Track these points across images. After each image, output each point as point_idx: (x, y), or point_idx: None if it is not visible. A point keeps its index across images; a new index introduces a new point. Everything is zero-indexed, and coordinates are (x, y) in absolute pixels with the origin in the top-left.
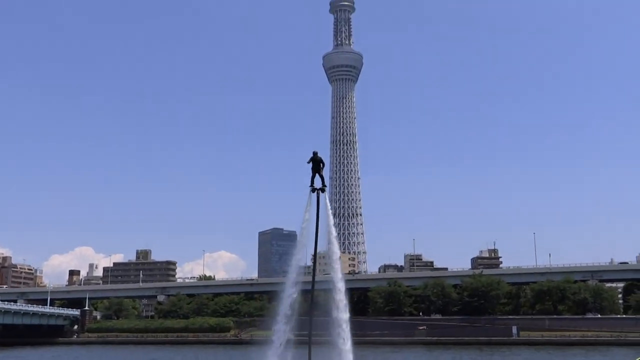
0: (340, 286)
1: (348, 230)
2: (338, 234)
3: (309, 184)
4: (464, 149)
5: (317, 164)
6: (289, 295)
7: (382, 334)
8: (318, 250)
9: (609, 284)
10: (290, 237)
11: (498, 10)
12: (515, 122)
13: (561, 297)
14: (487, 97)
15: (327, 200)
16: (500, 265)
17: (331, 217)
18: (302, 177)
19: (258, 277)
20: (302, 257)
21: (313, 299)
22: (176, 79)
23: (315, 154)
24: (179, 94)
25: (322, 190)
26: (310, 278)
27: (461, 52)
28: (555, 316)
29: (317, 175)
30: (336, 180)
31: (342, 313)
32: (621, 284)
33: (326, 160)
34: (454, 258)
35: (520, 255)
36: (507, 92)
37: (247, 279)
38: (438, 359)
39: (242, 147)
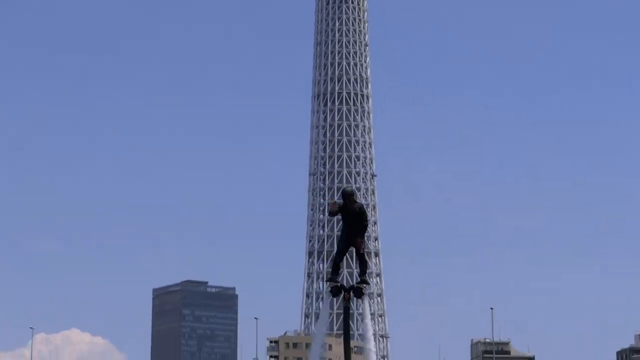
0: None
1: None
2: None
3: (327, 278)
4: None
5: (354, 219)
6: None
7: None
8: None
9: None
10: (223, 299)
11: None
12: None
13: None
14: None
15: (368, 312)
16: None
17: (372, 344)
18: (243, 183)
19: None
20: None
21: None
22: None
23: (349, 195)
24: None
25: (359, 293)
26: None
27: None
28: None
29: (346, 253)
30: (322, 182)
31: None
32: None
33: (306, 136)
34: (580, 353)
35: None
36: None
37: None
38: None
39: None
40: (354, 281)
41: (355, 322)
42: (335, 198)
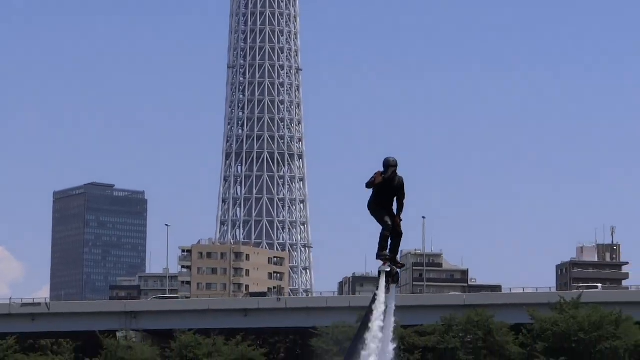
0: None
1: (270, 192)
2: (248, 199)
3: (381, 255)
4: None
5: (393, 193)
6: None
7: None
8: None
9: None
10: (131, 204)
11: None
12: None
13: None
14: None
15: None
16: (625, 282)
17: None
18: (153, 75)
19: (51, 297)
20: None
21: None
22: None
23: (394, 166)
24: None
25: (397, 280)
26: None
27: None
28: None
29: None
30: (242, 75)
31: None
32: None
33: (224, 24)
34: (517, 267)
35: None
36: None
37: (27, 303)
38: None
39: None
40: None
41: (276, 230)
42: (257, 94)
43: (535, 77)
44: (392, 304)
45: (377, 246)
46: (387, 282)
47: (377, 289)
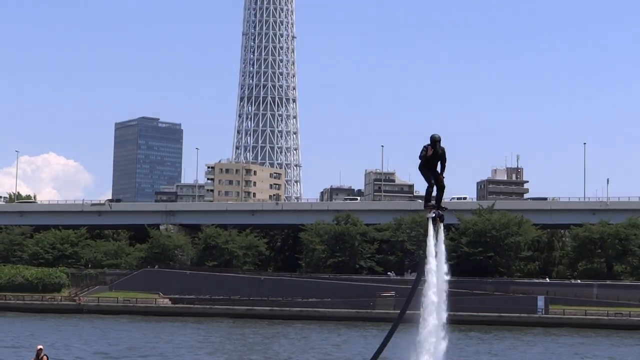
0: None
1: (272, 126)
2: (256, 130)
3: (428, 205)
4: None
5: (439, 160)
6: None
7: (322, 302)
8: None
9: None
10: (171, 133)
11: None
12: None
13: (621, 252)
14: None
15: (442, 231)
16: (526, 196)
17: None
18: (187, 40)
19: (113, 199)
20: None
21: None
22: None
23: (439, 141)
24: None
25: (443, 219)
26: None
27: None
28: (609, 281)
29: (434, 185)
30: (252, 40)
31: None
32: None
33: (240, 3)
34: (449, 182)
35: (559, 180)
36: None
37: (95, 203)
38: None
39: None
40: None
41: (276, 153)
42: (263, 54)
43: (449, 17)
44: (441, 240)
45: (350, 167)
46: (434, 223)
47: (427, 233)
